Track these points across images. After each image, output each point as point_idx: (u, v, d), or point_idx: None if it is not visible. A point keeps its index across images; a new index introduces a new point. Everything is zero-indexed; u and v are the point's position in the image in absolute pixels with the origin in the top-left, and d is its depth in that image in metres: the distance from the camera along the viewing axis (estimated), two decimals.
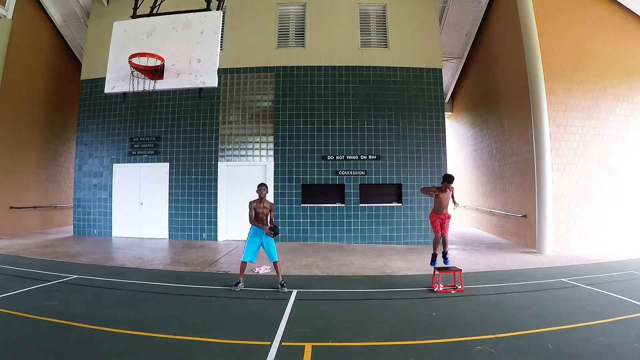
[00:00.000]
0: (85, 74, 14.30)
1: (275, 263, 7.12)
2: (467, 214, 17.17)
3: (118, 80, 7.91)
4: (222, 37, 13.51)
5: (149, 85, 7.54)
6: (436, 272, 7.18)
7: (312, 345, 4.45)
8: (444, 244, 7.64)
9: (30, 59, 15.08)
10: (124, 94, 8.04)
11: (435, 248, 7.69)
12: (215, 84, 7.80)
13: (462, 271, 7.21)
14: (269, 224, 7.23)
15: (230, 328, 5.11)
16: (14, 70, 13.99)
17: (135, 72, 7.52)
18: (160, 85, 7.77)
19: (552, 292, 6.82)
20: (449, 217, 7.68)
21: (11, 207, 14.18)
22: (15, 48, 13.96)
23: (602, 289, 6.86)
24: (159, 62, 7.55)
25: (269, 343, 4.52)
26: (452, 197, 7.67)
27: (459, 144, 18.25)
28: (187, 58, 7.78)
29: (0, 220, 13.62)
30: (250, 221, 7.14)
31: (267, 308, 6.05)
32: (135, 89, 7.53)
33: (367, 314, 5.74)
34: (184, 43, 7.88)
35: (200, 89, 7.97)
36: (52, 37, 16.01)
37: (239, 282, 7.06)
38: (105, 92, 8.13)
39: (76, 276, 7.78)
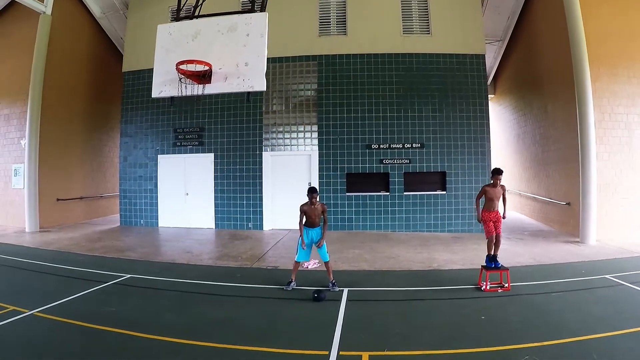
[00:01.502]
0: (126, 66, 14.54)
1: (326, 263, 7.13)
2: (509, 199, 16.80)
3: (165, 84, 7.98)
4: None
5: (197, 89, 7.62)
6: (483, 271, 7.15)
7: (369, 355, 4.47)
8: (497, 244, 7.51)
9: (72, 52, 15.38)
10: (172, 98, 8.12)
11: (490, 249, 7.52)
12: (264, 88, 7.79)
13: (507, 266, 7.24)
14: (321, 226, 7.24)
15: (288, 335, 5.12)
16: (56, 65, 14.28)
17: (183, 79, 7.59)
18: (209, 89, 7.84)
19: (595, 292, 6.61)
20: (499, 215, 7.52)
21: (58, 200, 14.62)
22: (57, 42, 14.18)
23: None
24: (206, 67, 7.61)
25: (327, 352, 4.52)
26: (504, 199, 7.55)
27: (502, 127, 18.02)
28: (234, 62, 7.76)
29: (48, 213, 13.96)
30: (300, 225, 7.15)
31: (321, 310, 6.03)
32: (184, 94, 7.63)
33: (417, 317, 5.75)
34: (230, 46, 7.86)
35: (249, 93, 7.99)
36: (91, 30, 16.27)
37: (291, 282, 7.09)
38: (152, 96, 8.23)
39: (129, 276, 7.85)
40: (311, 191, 7.06)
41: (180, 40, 8.18)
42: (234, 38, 7.89)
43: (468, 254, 9.59)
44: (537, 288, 6.91)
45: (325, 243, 7.17)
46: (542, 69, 13.90)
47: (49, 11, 13.67)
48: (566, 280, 7.32)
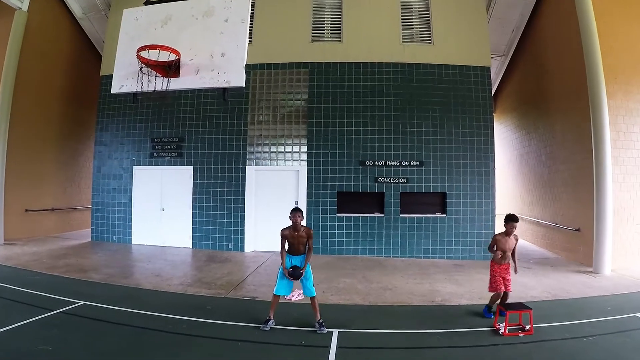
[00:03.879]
0: (105, 69, 12.70)
1: (312, 298, 5.59)
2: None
3: (127, 78, 6.39)
4: (251, 29, 11.87)
5: (161, 84, 5.98)
6: (500, 310, 5.72)
7: None
8: (503, 298, 6.19)
9: (49, 53, 13.67)
10: (135, 94, 6.50)
11: (493, 302, 6.21)
12: (243, 83, 6.20)
13: (521, 301, 6.16)
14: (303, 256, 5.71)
15: None
16: (31, 66, 12.67)
17: (145, 68, 5.97)
18: (176, 84, 6.21)
19: (630, 335, 5.36)
20: (509, 268, 6.20)
21: (27, 210, 12.81)
22: (33, 42, 12.63)
23: None
24: (173, 57, 6.03)
25: None
26: (514, 253, 6.18)
27: (503, 147, 16.31)
28: (209, 51, 6.29)
29: (14, 225, 12.25)
30: (281, 252, 5.64)
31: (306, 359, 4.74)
32: (145, 89, 5.97)
33: None
34: (205, 33, 6.39)
35: (225, 89, 6.38)
36: (72, 31, 14.55)
37: (269, 319, 5.55)
38: (112, 92, 6.62)
39: (82, 303, 6.39)
40: (294, 211, 5.52)
41: (148, 26, 6.65)
42: (209, 24, 6.37)
43: (474, 286, 8.05)
44: (563, 331, 5.56)
45: (311, 275, 5.62)
46: (549, 86, 12.39)
47: (25, 7, 12.15)
48: (594, 320, 5.98)
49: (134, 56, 6.14)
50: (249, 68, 11.47)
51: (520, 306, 5.72)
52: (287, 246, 5.67)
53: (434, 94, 11.39)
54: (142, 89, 5.99)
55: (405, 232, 11.13)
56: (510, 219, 6.10)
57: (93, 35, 15.08)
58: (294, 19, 11.95)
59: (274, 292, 5.63)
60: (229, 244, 11.52)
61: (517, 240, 6.17)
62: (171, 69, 6.00)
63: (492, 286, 6.16)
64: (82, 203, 15.27)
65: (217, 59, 6.15)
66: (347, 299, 7.15)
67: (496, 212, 11.36)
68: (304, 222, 5.69)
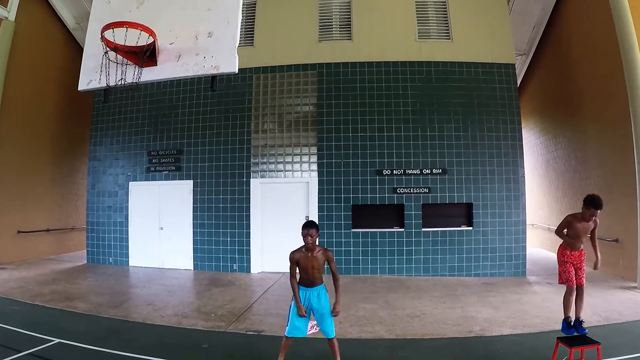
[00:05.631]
0: None
1: (331, 340, 4.32)
2: (536, 234, 13.89)
3: (97, 71, 5.08)
4: (252, 30, 10.57)
5: (133, 73, 4.66)
6: (560, 345, 4.30)
7: None
8: (578, 299, 4.71)
9: (40, 65, 12.53)
10: (105, 91, 5.19)
11: (568, 308, 4.73)
12: (235, 69, 4.86)
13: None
14: (323, 285, 4.38)
15: None
16: (21, 78, 11.57)
17: (111, 54, 4.69)
18: (152, 74, 4.95)
19: None
20: (584, 256, 4.73)
21: (19, 232, 11.58)
22: (22, 53, 11.55)
23: None
24: (144, 39, 4.73)
25: None
26: (593, 236, 4.77)
27: (526, 152, 14.71)
28: (193, 32, 5.03)
29: (5, 247, 11.02)
30: (291, 281, 4.32)
31: None
32: (113, 81, 4.66)
33: None
34: (188, 11, 5.14)
35: (213, 78, 5.04)
36: (64, 41, 13.39)
37: None
38: (79, 89, 5.36)
39: (58, 341, 5.12)
40: (307, 226, 4.15)
41: (120, 8, 5.40)
42: (195, 0, 5.06)
43: (513, 310, 6.76)
44: None
45: (329, 312, 4.32)
46: (578, 86, 11.07)
47: (12, 17, 10.96)
48: None
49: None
50: (251, 72, 10.36)
51: (584, 340, 4.36)
52: (298, 275, 4.32)
53: (456, 94, 10.05)
54: (108, 80, 4.66)
55: (428, 247, 9.69)
56: (592, 204, 4.56)
57: None
58: (299, 17, 10.69)
59: (285, 334, 4.28)
60: (234, 265, 10.12)
61: (596, 224, 4.68)
62: (145, 54, 4.67)
63: (562, 276, 4.75)
64: (80, 223, 13.91)
65: (202, 40, 4.85)
66: (369, 331, 5.82)
67: (527, 223, 10.02)
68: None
